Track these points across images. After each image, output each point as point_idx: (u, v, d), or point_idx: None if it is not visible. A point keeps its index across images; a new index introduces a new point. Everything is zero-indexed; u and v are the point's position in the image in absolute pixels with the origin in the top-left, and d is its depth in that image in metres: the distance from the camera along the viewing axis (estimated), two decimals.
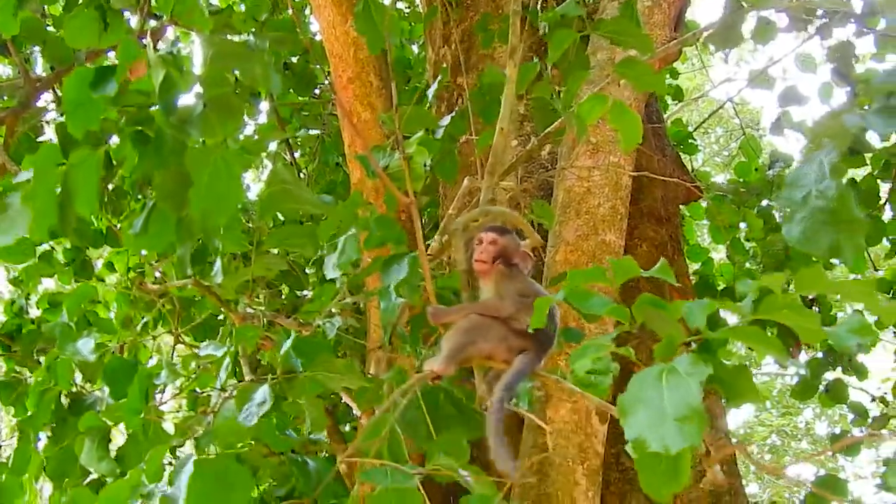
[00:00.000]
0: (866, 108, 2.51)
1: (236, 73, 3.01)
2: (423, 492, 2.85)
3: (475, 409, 3.54)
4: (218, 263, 3.73)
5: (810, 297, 8.14)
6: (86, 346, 4.39)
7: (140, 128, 2.87)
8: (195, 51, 2.94)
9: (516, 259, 3.44)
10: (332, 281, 4.37)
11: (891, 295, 8.22)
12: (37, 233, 2.73)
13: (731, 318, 2.55)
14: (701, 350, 2.36)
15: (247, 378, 4.48)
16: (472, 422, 3.49)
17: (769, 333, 2.37)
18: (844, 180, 2.43)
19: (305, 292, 8.53)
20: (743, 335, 2.28)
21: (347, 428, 7.49)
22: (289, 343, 3.74)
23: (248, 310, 4.83)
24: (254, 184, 11.09)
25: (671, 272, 2.51)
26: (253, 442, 3.68)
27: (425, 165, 4.00)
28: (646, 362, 5.16)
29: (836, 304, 8.81)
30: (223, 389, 4.05)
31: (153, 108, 2.90)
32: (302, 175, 9.56)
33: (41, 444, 4.36)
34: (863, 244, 2.40)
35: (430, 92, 5.37)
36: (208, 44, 2.88)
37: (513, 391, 3.13)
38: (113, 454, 3.83)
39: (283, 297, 8.61)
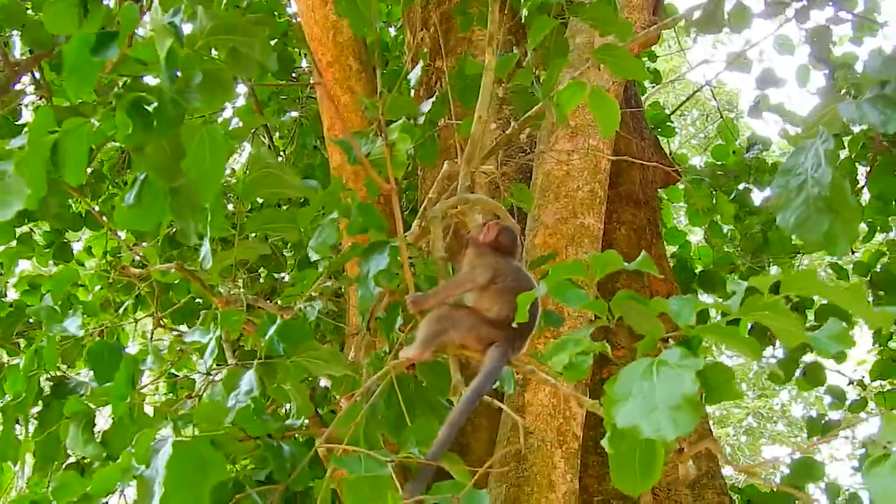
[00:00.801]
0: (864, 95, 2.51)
1: (214, 53, 3.02)
2: (402, 478, 2.85)
3: (449, 402, 3.54)
4: (206, 248, 3.71)
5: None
6: (72, 323, 4.39)
7: (139, 95, 2.86)
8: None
9: (483, 236, 3.46)
10: (314, 264, 4.35)
11: (868, 277, 8.29)
12: (29, 202, 2.74)
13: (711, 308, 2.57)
14: (680, 347, 2.31)
15: (230, 362, 4.47)
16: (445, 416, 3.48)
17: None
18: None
19: (283, 275, 8.59)
20: (720, 334, 2.26)
21: (325, 411, 7.48)
22: (274, 328, 3.71)
23: (231, 293, 4.82)
24: (233, 166, 11.09)
25: (654, 265, 2.47)
26: (227, 426, 3.66)
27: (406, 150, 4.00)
28: (626, 346, 5.15)
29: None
30: (208, 373, 4.06)
31: (153, 77, 2.92)
32: (280, 158, 9.55)
33: (19, 428, 4.34)
34: (857, 232, 2.40)
35: (413, 77, 5.38)
36: (208, 16, 2.90)
37: (482, 393, 3.08)
38: (96, 438, 3.83)
39: (262, 280, 8.66)
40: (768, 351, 8.20)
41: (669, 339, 2.34)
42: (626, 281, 5.92)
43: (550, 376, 3.21)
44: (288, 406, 3.97)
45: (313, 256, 3.96)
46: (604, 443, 2.16)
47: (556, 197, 5.51)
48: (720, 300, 2.28)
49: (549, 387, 4.96)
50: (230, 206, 4.87)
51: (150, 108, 2.88)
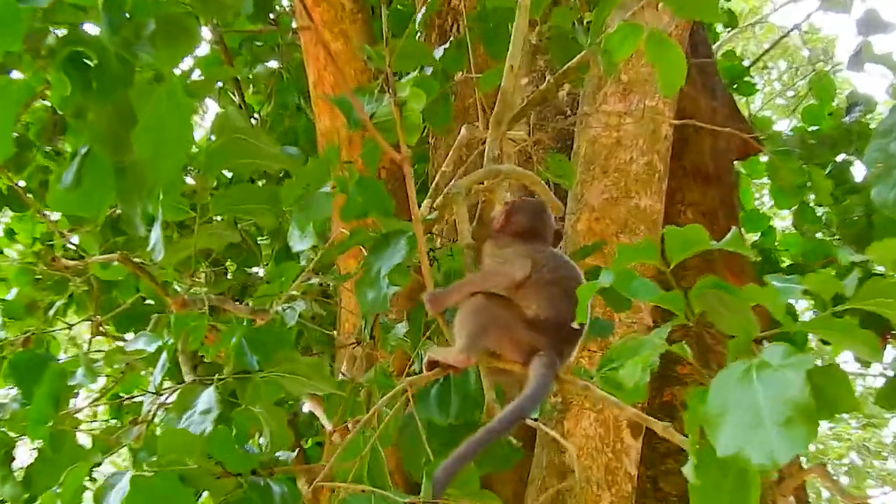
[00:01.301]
0: None
1: None
2: None
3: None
4: (157, 235, 3.66)
5: None
6: None
7: (78, 49, 2.86)
8: None
9: (496, 223, 3.46)
10: (294, 256, 4.30)
11: None
12: None
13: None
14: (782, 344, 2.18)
15: (187, 379, 4.45)
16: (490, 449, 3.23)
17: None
18: None
19: (257, 269, 8.57)
20: (830, 328, 2.18)
21: (310, 444, 7.48)
22: (244, 336, 3.68)
23: (190, 292, 4.82)
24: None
25: (744, 244, 2.39)
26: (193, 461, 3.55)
27: None
28: (699, 360, 5.13)
29: None
30: (158, 393, 4.02)
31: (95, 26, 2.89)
32: (254, 119, 9.51)
33: None
34: None
35: (419, 18, 5.34)
36: None
37: (524, 416, 2.98)
38: (18, 474, 3.82)
39: (229, 275, 8.60)
40: (875, 367, 8.16)
41: (764, 341, 2.28)
42: (692, 278, 5.85)
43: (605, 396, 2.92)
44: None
45: (296, 246, 3.88)
46: (685, 471, 2.10)
47: (603, 171, 5.48)
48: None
49: (594, 413, 4.94)
50: (189, 181, 4.83)
51: (91, 64, 2.88)
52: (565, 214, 5.47)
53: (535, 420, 3.89)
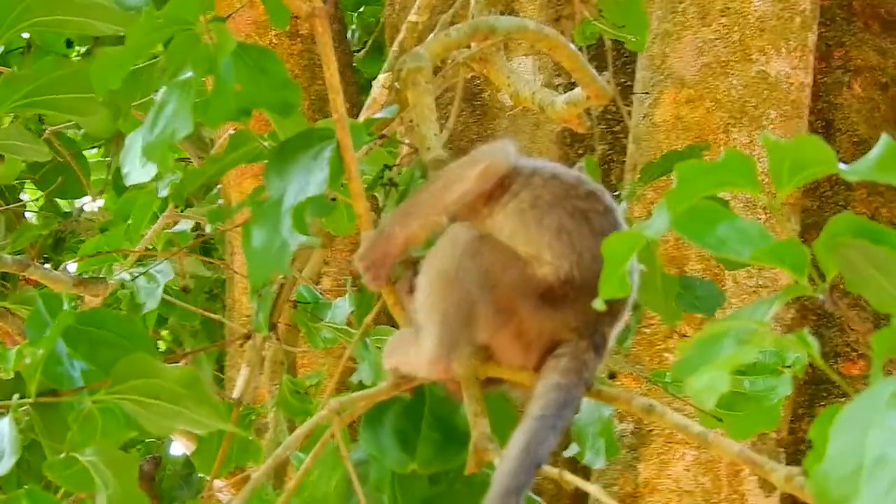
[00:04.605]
0: None
1: None
2: None
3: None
4: None
5: None
6: None
7: None
8: None
9: None
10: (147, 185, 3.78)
11: None
12: None
13: None
14: None
15: None
16: None
17: None
18: None
19: (84, 203, 8.44)
20: None
21: None
22: (57, 324, 3.01)
23: None
24: None
25: None
26: None
27: None
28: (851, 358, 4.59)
29: None
30: None
31: None
32: None
33: None
34: None
35: None
36: None
37: (538, 462, 2.36)
38: None
39: (36, 220, 8.42)
40: None
41: None
42: (861, 205, 5.54)
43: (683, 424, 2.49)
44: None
45: (132, 175, 3.50)
46: None
47: (701, 17, 4.91)
48: None
49: (695, 449, 4.47)
50: None
51: None
52: (633, 96, 5.02)
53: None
